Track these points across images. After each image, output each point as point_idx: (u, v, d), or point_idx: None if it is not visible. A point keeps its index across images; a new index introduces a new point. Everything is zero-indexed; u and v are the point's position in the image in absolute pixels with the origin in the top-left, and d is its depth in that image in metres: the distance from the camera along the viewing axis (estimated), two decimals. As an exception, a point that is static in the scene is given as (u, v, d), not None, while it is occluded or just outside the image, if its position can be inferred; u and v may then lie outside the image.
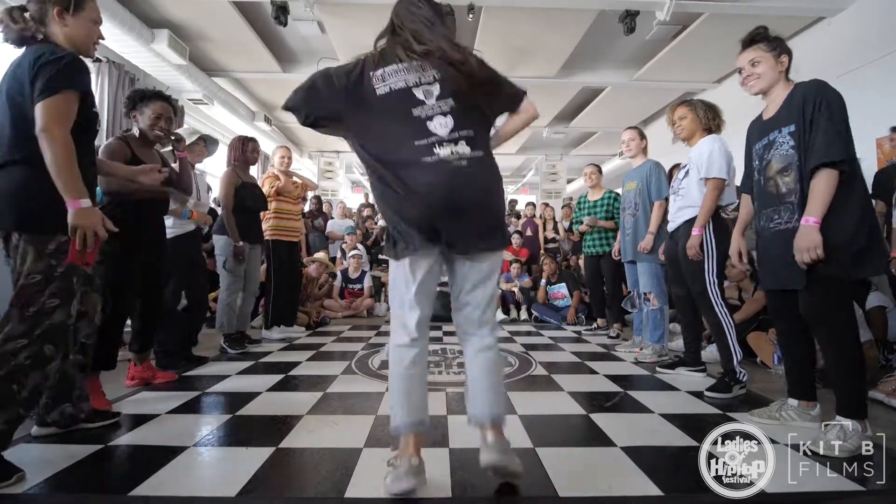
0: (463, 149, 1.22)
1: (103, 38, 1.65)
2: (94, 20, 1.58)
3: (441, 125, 1.23)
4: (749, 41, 1.75)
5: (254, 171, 3.57)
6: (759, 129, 1.77)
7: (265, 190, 3.56)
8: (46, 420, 1.62)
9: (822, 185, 1.51)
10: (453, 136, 1.23)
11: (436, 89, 1.25)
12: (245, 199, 3.16)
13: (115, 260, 2.00)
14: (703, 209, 2.28)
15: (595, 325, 4.23)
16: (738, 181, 2.18)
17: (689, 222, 2.34)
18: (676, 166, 3.99)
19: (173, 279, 2.59)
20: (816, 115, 1.54)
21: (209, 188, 3.18)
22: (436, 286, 1.34)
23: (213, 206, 3.93)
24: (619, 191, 3.62)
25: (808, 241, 1.51)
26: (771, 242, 1.71)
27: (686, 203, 2.38)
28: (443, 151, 1.21)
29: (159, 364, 2.55)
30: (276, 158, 3.83)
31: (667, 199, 3.00)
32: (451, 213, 1.20)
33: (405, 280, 1.26)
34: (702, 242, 2.28)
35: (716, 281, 2.28)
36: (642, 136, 3.19)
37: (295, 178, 3.86)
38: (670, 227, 2.49)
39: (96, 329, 1.71)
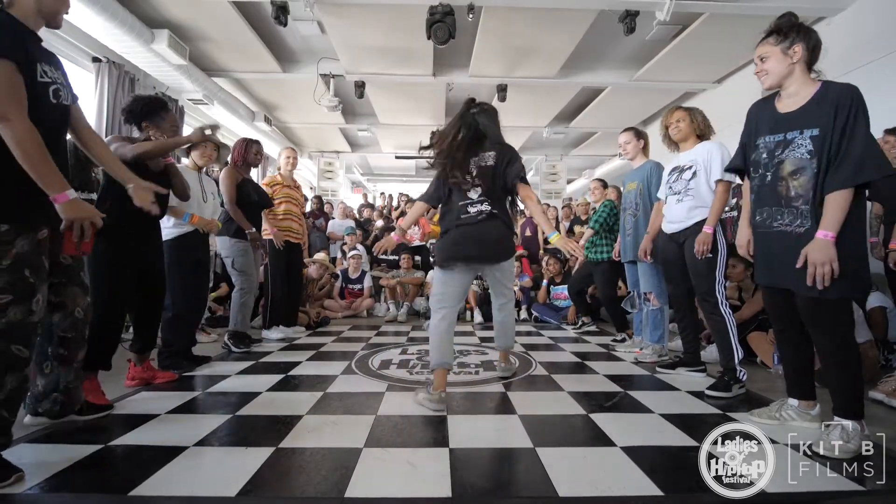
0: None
1: (68, 10, 1.54)
2: None
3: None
4: (766, 33, 1.67)
5: (253, 174, 3.59)
6: (773, 121, 1.67)
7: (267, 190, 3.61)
8: (38, 410, 1.63)
9: (843, 200, 1.47)
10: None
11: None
12: (249, 195, 3.20)
13: (109, 264, 2.01)
14: (714, 210, 2.31)
15: (581, 321, 4.27)
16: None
17: (701, 223, 2.35)
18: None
19: (181, 281, 2.59)
20: (851, 125, 1.48)
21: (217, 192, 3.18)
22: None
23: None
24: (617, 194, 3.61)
25: (824, 256, 1.46)
26: (773, 241, 1.67)
27: (698, 203, 2.38)
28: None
29: (162, 364, 2.55)
30: (281, 159, 3.85)
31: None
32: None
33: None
34: (714, 241, 2.30)
35: (723, 280, 2.32)
36: (639, 137, 3.15)
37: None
38: (677, 227, 2.46)
39: (79, 323, 1.64)
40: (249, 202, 3.21)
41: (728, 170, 2.00)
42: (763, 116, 1.73)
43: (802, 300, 1.60)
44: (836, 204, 1.48)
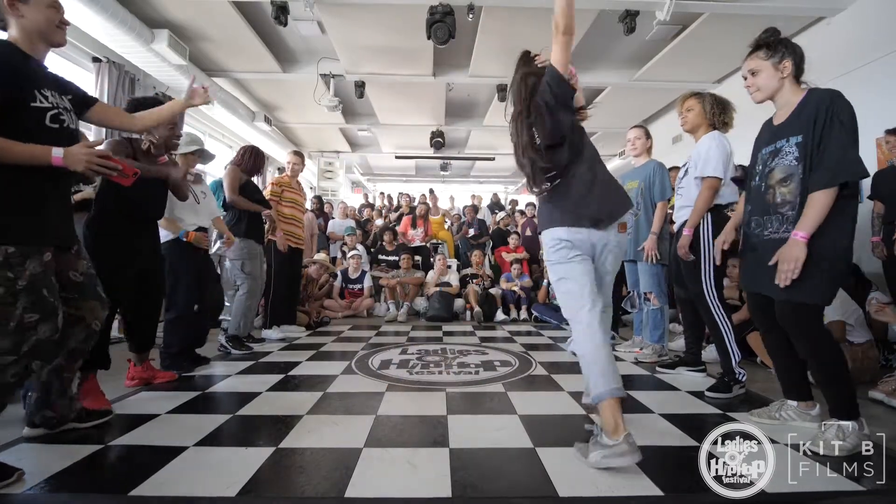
0: None
1: (68, 23, 1.53)
2: (50, 4, 1.46)
3: None
4: (754, 47, 1.71)
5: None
6: (769, 134, 1.73)
7: (271, 190, 3.67)
8: (35, 421, 1.63)
9: (819, 202, 1.49)
10: None
11: None
12: (250, 194, 3.22)
13: (105, 264, 2.01)
14: (695, 209, 2.26)
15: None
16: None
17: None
18: (675, 168, 3.98)
19: (184, 283, 2.60)
20: (827, 130, 1.50)
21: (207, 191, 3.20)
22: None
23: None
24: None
25: (790, 255, 1.50)
26: (762, 248, 1.69)
27: (685, 202, 2.36)
28: None
29: (163, 365, 2.55)
30: (288, 166, 3.89)
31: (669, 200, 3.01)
32: None
33: None
34: (693, 243, 2.26)
35: (713, 282, 2.25)
36: (648, 136, 3.12)
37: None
38: (675, 227, 2.46)
39: (93, 335, 1.67)
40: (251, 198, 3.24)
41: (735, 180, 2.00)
42: (764, 133, 1.78)
43: (777, 304, 1.63)
44: (814, 205, 1.50)
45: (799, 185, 1.57)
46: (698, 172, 2.27)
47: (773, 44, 1.66)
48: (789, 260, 1.50)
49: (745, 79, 1.75)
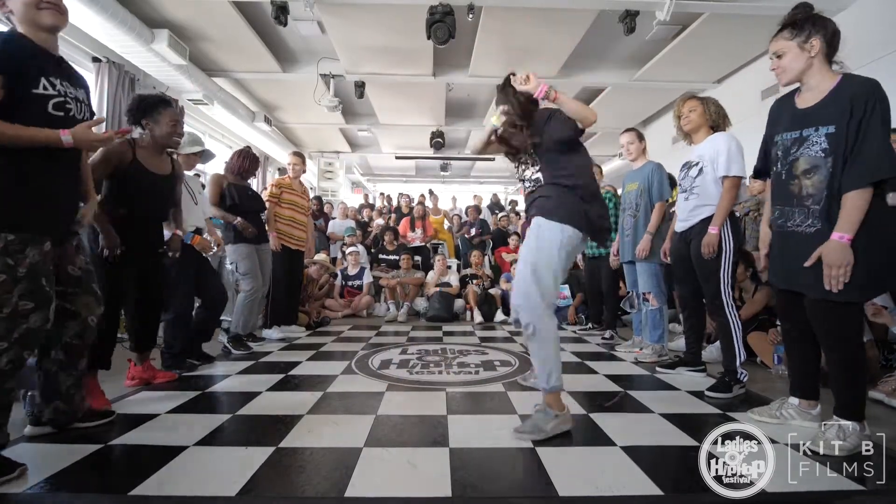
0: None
1: (52, 3, 1.45)
2: None
3: None
4: (780, 26, 1.59)
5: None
6: (791, 118, 1.61)
7: (270, 192, 3.69)
8: (42, 419, 1.63)
9: (859, 200, 1.42)
10: None
11: None
12: (225, 198, 3.20)
13: (108, 265, 2.02)
14: (721, 208, 2.22)
15: (590, 325, 4.24)
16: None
17: (706, 221, 2.27)
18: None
19: (182, 283, 2.60)
20: (868, 120, 1.41)
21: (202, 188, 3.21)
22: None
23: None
24: (620, 191, 3.61)
25: (839, 259, 1.42)
26: (784, 240, 1.64)
27: (703, 202, 2.31)
28: None
29: (164, 364, 2.55)
30: (289, 167, 3.89)
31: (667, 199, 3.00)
32: None
33: None
34: (719, 241, 2.22)
35: (730, 281, 2.23)
36: (641, 138, 3.15)
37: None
38: (684, 226, 2.40)
39: (89, 331, 1.67)
40: (228, 206, 3.21)
41: (754, 173, 1.90)
42: (782, 113, 1.67)
43: (810, 301, 1.57)
44: (852, 204, 1.42)
45: (827, 178, 1.49)
46: (722, 171, 2.22)
47: (800, 22, 1.55)
48: (839, 265, 1.42)
49: (772, 62, 1.65)
